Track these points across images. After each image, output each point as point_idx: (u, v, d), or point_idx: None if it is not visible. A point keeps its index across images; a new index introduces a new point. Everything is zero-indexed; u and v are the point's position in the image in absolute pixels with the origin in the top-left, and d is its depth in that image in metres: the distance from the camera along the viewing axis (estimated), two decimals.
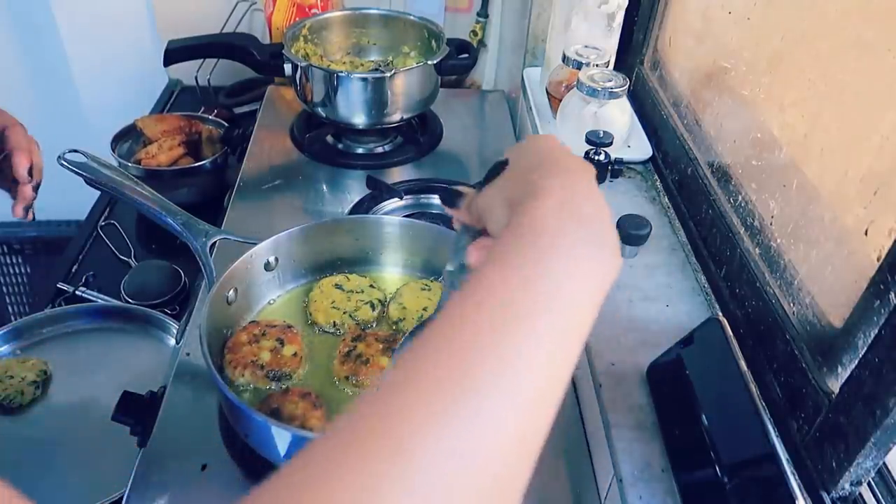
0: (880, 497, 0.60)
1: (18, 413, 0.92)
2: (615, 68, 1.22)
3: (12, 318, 1.84)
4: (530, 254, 0.43)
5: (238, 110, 1.63)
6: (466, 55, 1.39)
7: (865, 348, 0.57)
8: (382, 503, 0.32)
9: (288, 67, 1.31)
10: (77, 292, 1.17)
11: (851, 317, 0.63)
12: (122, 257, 1.27)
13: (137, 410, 0.84)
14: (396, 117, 1.34)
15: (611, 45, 1.21)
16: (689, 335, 0.77)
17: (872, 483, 0.60)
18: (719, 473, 0.64)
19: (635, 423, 0.76)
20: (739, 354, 0.70)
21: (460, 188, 0.63)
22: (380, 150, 1.40)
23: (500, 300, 0.40)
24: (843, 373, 0.63)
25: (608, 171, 1.10)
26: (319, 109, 1.34)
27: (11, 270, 1.86)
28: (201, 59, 1.54)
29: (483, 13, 1.60)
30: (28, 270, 1.87)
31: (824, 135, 0.73)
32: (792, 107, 0.80)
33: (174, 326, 1.03)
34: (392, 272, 1.00)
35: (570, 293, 0.43)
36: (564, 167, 0.49)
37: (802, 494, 0.58)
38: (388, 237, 0.98)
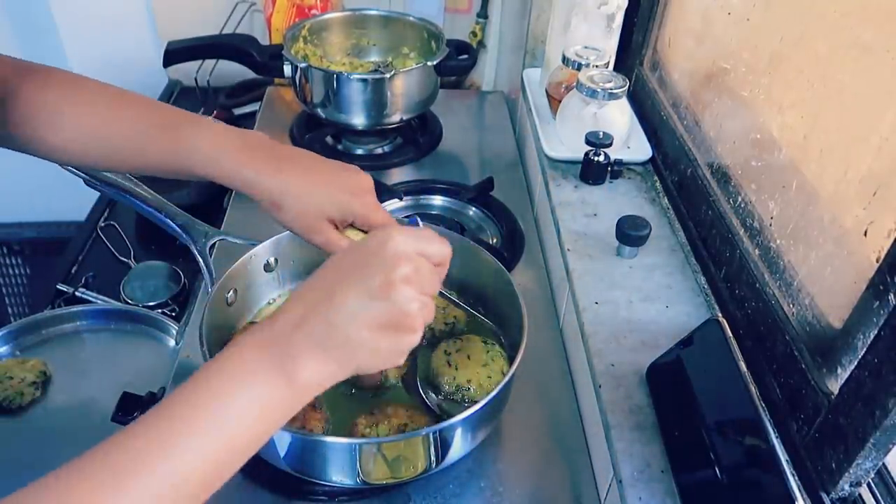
0: (880, 498, 0.60)
1: (18, 414, 0.92)
2: (615, 69, 1.22)
3: (12, 318, 1.84)
4: (219, 367, 0.53)
5: (238, 111, 1.63)
6: (466, 56, 1.39)
7: (865, 349, 0.57)
8: None
9: (288, 68, 1.31)
10: (77, 293, 1.17)
11: (851, 318, 0.63)
12: (121, 258, 1.27)
13: (137, 411, 0.84)
14: (396, 118, 1.34)
15: (610, 45, 1.21)
16: (688, 336, 0.77)
17: (872, 484, 0.60)
18: (719, 474, 0.64)
19: (635, 423, 0.76)
20: (739, 355, 0.70)
21: None
22: (379, 150, 1.41)
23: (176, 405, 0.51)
24: (843, 373, 0.63)
25: (608, 172, 1.10)
26: (319, 110, 1.34)
27: (11, 271, 1.86)
28: (201, 60, 1.54)
29: (483, 14, 1.61)
30: (28, 271, 1.87)
31: (824, 136, 0.73)
32: (791, 108, 0.80)
33: (174, 327, 1.03)
34: None
35: (235, 411, 0.52)
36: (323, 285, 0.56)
37: (802, 495, 0.58)
38: None
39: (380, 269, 0.54)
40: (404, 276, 0.54)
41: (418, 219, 0.64)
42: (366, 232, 0.76)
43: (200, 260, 0.86)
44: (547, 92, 1.27)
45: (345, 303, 0.53)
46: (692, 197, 0.99)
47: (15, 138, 0.75)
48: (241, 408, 0.52)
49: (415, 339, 0.56)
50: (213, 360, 0.53)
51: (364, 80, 1.29)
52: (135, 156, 0.76)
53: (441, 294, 0.83)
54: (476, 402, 0.73)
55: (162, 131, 0.74)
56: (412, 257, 0.55)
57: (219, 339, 0.84)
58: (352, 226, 0.76)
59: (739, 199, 0.87)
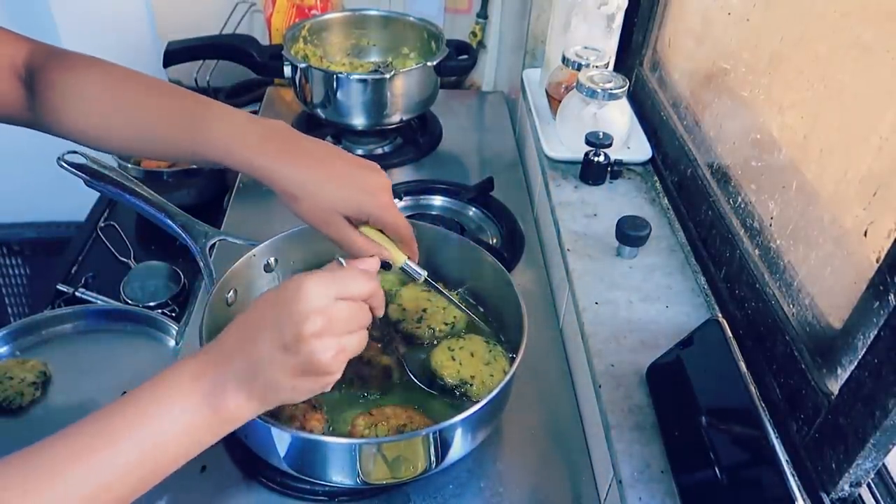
0: (879, 498, 0.60)
1: (18, 414, 0.91)
2: (615, 69, 1.22)
3: (12, 319, 1.83)
4: (153, 386, 0.58)
5: None
6: (466, 56, 1.39)
7: (865, 349, 0.57)
8: None
9: (287, 69, 1.31)
10: (77, 293, 1.16)
11: (851, 318, 0.63)
12: (121, 258, 1.27)
13: None
14: (396, 118, 1.34)
15: (610, 46, 1.21)
16: (688, 336, 0.77)
17: (872, 484, 0.60)
18: (719, 474, 0.64)
19: (635, 424, 0.76)
20: (739, 355, 0.70)
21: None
22: (379, 151, 1.41)
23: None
24: (843, 374, 0.63)
25: (608, 172, 1.10)
26: (319, 111, 1.34)
27: (11, 272, 1.86)
28: (201, 61, 1.54)
29: (483, 14, 1.61)
30: (28, 272, 1.86)
31: (824, 136, 0.73)
32: (791, 108, 0.80)
33: (174, 328, 1.03)
34: (391, 273, 1.00)
35: (158, 430, 0.56)
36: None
37: (802, 496, 0.58)
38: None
39: (291, 323, 0.58)
40: (314, 331, 0.58)
41: (340, 258, 0.67)
42: (381, 231, 0.76)
43: (200, 260, 0.86)
44: (547, 92, 1.27)
45: (263, 350, 0.58)
46: (692, 197, 0.99)
47: (40, 119, 0.77)
48: (164, 428, 0.56)
49: (333, 378, 0.62)
50: (151, 380, 0.58)
51: (364, 81, 1.29)
52: (156, 141, 0.77)
53: (441, 293, 0.84)
54: (476, 400, 0.73)
55: (183, 118, 0.75)
56: (323, 309, 0.58)
57: None
58: (365, 223, 0.76)
59: (739, 199, 0.87)
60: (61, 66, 0.76)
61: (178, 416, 0.57)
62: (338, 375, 0.62)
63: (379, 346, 0.87)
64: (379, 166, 0.77)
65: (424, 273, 0.78)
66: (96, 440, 0.54)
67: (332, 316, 0.59)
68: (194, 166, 1.33)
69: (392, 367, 0.85)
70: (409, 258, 0.77)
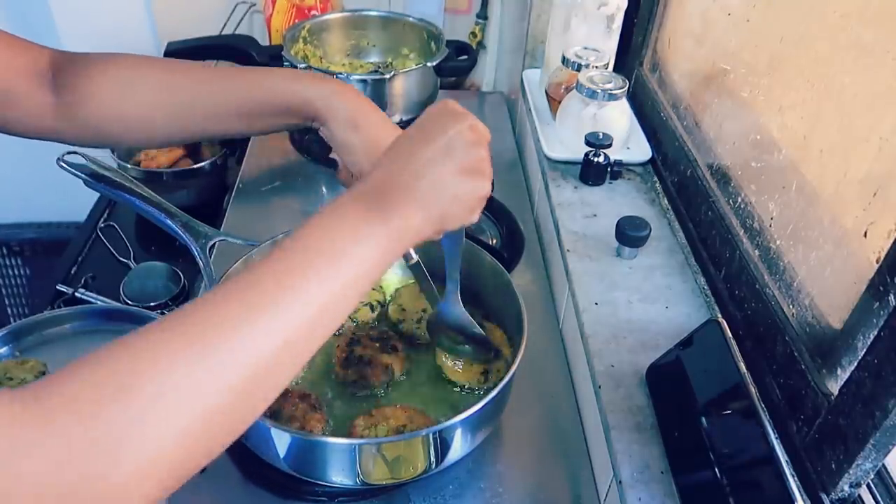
0: (879, 499, 0.60)
1: None
2: (614, 70, 1.22)
3: (11, 319, 1.84)
4: (321, 218, 0.55)
5: None
6: (466, 57, 1.39)
7: (864, 350, 0.57)
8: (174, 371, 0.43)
9: None
10: (76, 294, 1.16)
11: (850, 318, 0.63)
12: (121, 259, 1.27)
13: None
14: (396, 119, 1.34)
15: (610, 46, 1.21)
16: (688, 337, 0.77)
17: (872, 485, 0.60)
18: (719, 475, 0.64)
19: (634, 424, 0.76)
20: (739, 356, 0.70)
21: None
22: None
23: (298, 247, 0.52)
24: (843, 374, 0.63)
25: (608, 172, 1.10)
26: None
27: (11, 272, 1.86)
28: (201, 61, 1.54)
29: (482, 15, 1.61)
30: (27, 272, 1.86)
31: (823, 136, 0.73)
32: (791, 108, 0.80)
33: None
34: (391, 273, 1.00)
35: (351, 254, 0.53)
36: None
37: (802, 496, 0.58)
38: None
39: (448, 123, 0.60)
40: (470, 125, 0.61)
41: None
42: None
43: (200, 260, 0.86)
44: (547, 93, 1.27)
45: (425, 154, 0.59)
46: (692, 198, 0.99)
47: (73, 119, 0.77)
48: (353, 252, 0.53)
49: (488, 185, 0.63)
50: (307, 226, 0.55)
51: (364, 81, 1.29)
52: (214, 106, 0.80)
53: (426, 282, 0.84)
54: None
55: (238, 75, 0.81)
56: (467, 114, 0.62)
57: None
58: None
59: (739, 199, 0.87)
60: (88, 62, 0.76)
61: (357, 230, 0.54)
62: (489, 184, 0.63)
63: (377, 345, 0.87)
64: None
65: (416, 256, 0.81)
66: (294, 268, 0.51)
67: (473, 123, 0.61)
68: (195, 166, 1.34)
69: (392, 366, 0.85)
70: None
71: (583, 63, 1.15)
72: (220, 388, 0.44)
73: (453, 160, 0.59)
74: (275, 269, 0.50)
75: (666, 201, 1.08)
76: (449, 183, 0.59)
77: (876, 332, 0.55)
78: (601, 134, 1.07)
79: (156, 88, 0.78)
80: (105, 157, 1.28)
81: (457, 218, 0.61)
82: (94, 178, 0.86)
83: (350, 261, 0.53)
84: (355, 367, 0.84)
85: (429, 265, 0.96)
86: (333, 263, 0.52)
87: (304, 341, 0.50)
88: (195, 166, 1.33)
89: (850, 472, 0.57)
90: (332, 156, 0.87)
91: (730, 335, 0.72)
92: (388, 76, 1.27)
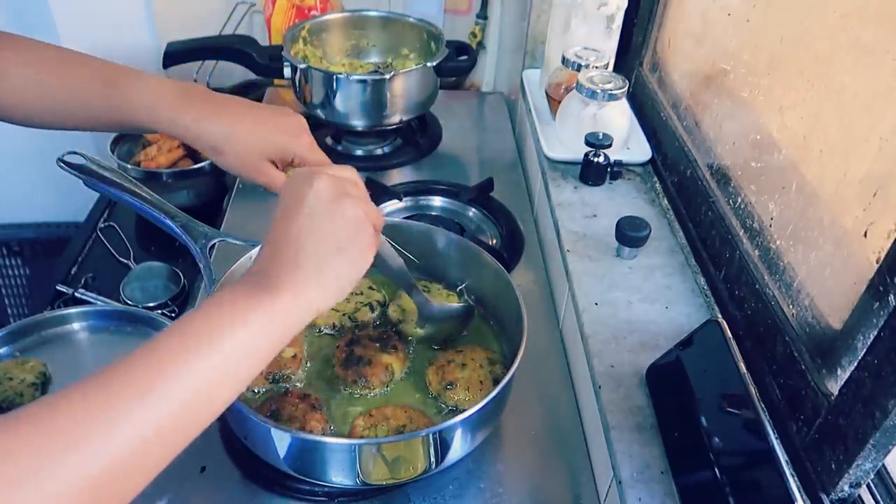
0: (879, 499, 0.60)
1: None
2: (614, 70, 1.22)
3: (11, 319, 1.83)
4: (206, 307, 0.54)
5: None
6: (466, 57, 1.39)
7: (864, 350, 0.57)
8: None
9: (287, 69, 1.31)
10: (76, 294, 1.16)
11: (850, 319, 0.63)
12: (121, 259, 1.27)
13: None
14: (396, 119, 1.34)
15: (610, 46, 1.21)
16: (688, 337, 0.77)
17: (872, 485, 0.60)
18: (718, 475, 0.64)
19: (634, 424, 0.76)
20: (739, 356, 0.70)
21: None
22: (379, 151, 1.41)
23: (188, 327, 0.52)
24: (843, 374, 0.63)
25: (607, 172, 1.10)
26: (319, 111, 1.34)
27: (11, 272, 1.86)
28: (200, 61, 1.54)
29: (482, 15, 1.61)
30: (27, 272, 1.86)
31: (823, 137, 0.73)
32: (791, 109, 0.80)
33: None
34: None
35: (230, 336, 0.52)
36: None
37: (801, 496, 0.58)
38: None
39: (301, 189, 0.59)
40: (325, 181, 0.60)
41: None
42: None
43: (200, 261, 0.86)
44: (546, 93, 1.27)
45: (295, 227, 0.58)
46: (692, 198, 0.99)
47: None
48: (233, 332, 0.52)
49: (372, 232, 0.62)
50: (193, 310, 0.54)
51: (363, 82, 1.29)
52: (78, 109, 0.79)
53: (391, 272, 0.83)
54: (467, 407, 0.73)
55: (104, 85, 0.78)
56: (338, 181, 0.61)
57: None
58: (291, 164, 0.81)
59: (739, 199, 0.87)
60: None
61: (243, 315, 0.53)
62: (372, 232, 0.61)
63: (377, 345, 0.87)
64: (291, 110, 0.82)
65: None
66: (168, 356, 0.50)
67: (343, 186, 0.61)
68: (195, 166, 1.34)
69: (392, 366, 0.85)
70: None
71: (583, 63, 1.15)
72: (80, 478, 0.44)
73: (321, 221, 0.59)
74: (149, 353, 0.50)
75: (666, 201, 1.08)
76: (328, 241, 0.58)
77: (876, 333, 0.55)
78: (601, 134, 1.07)
79: (30, 84, 0.78)
80: (105, 157, 1.28)
81: (353, 269, 0.60)
82: (94, 178, 0.86)
83: (231, 342, 0.52)
84: (355, 367, 0.84)
85: (427, 267, 0.97)
86: (212, 345, 0.51)
87: (177, 428, 0.49)
88: (195, 166, 1.33)
89: (850, 472, 0.57)
90: None
91: (730, 335, 0.72)
92: (388, 76, 1.27)
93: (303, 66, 1.29)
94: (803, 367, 0.67)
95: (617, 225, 0.95)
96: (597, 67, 1.15)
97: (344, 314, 0.92)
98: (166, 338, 0.51)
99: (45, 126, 0.84)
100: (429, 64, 1.31)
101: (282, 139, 0.79)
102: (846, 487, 0.59)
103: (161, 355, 0.50)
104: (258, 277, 0.57)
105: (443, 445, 0.74)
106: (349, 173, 0.64)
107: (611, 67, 1.21)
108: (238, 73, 1.49)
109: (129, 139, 1.41)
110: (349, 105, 1.30)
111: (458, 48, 1.40)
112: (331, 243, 0.59)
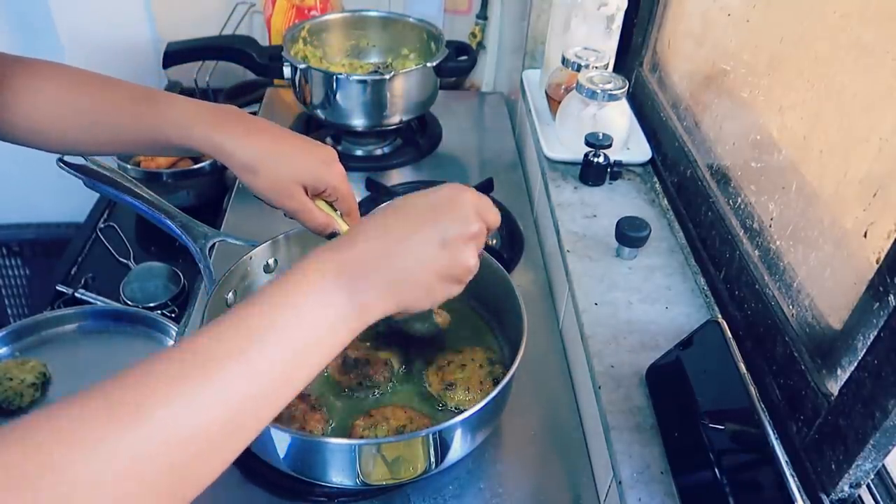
0: (879, 499, 0.60)
1: (18, 415, 0.91)
2: (614, 70, 1.22)
3: (11, 319, 1.84)
4: (296, 282, 0.53)
5: None
6: (465, 57, 1.39)
7: (864, 350, 0.57)
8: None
9: (287, 69, 1.31)
10: (76, 294, 1.17)
11: (850, 319, 0.63)
12: (121, 259, 1.27)
13: None
14: (396, 119, 1.34)
15: (610, 47, 1.21)
16: (688, 337, 0.77)
17: (871, 485, 0.60)
18: (718, 476, 0.64)
19: (634, 425, 0.76)
20: (739, 356, 0.70)
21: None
22: (379, 152, 1.41)
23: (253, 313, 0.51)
24: (843, 375, 0.63)
25: (607, 173, 1.10)
26: (319, 111, 1.34)
27: (11, 272, 1.86)
28: (200, 61, 1.54)
29: (482, 15, 1.61)
30: (27, 272, 1.86)
31: (823, 137, 0.73)
32: (791, 109, 0.80)
33: (173, 329, 1.03)
34: None
35: (308, 324, 0.52)
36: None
37: (801, 496, 0.58)
38: None
39: (455, 221, 0.59)
40: (473, 233, 0.59)
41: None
42: (331, 205, 0.81)
43: (200, 261, 0.86)
44: (546, 93, 1.27)
45: (419, 249, 0.57)
46: (692, 198, 0.99)
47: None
48: (313, 320, 0.52)
49: (461, 289, 0.62)
50: (286, 277, 0.53)
51: (363, 82, 1.29)
52: (111, 131, 0.78)
53: None
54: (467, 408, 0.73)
55: (136, 106, 0.77)
56: (479, 217, 0.60)
57: None
58: (319, 196, 0.81)
59: (739, 200, 0.87)
60: (25, 71, 0.77)
61: (326, 309, 0.53)
62: (462, 287, 0.62)
63: (367, 344, 0.87)
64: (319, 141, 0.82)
65: None
66: (247, 332, 0.49)
67: (481, 229, 0.61)
68: (194, 166, 1.34)
69: (391, 360, 0.86)
70: None
71: (583, 63, 1.15)
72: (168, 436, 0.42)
73: (445, 263, 0.58)
74: (228, 334, 0.49)
75: (666, 202, 1.08)
76: (428, 284, 0.58)
77: (876, 333, 0.55)
78: (601, 134, 1.07)
79: (64, 105, 0.78)
80: (105, 157, 1.28)
81: (420, 306, 0.60)
82: (94, 178, 0.86)
83: (311, 322, 0.52)
84: (355, 370, 0.84)
85: None
86: (294, 335, 0.51)
87: (270, 396, 0.49)
88: (195, 166, 1.33)
89: (850, 472, 0.57)
90: None
91: (730, 335, 0.72)
92: (387, 76, 1.27)
93: (303, 66, 1.29)
94: (803, 367, 0.67)
95: (617, 225, 0.95)
96: (597, 68, 1.15)
97: None
98: (242, 316, 0.51)
99: (78, 150, 0.84)
100: (429, 64, 1.31)
101: (316, 165, 0.78)
102: (846, 488, 0.59)
103: (250, 323, 0.50)
104: (347, 268, 0.55)
105: (443, 446, 0.74)
106: (494, 217, 0.63)
107: (611, 68, 1.21)
108: (238, 73, 1.49)
109: None
110: (349, 105, 1.31)
111: (458, 48, 1.40)
112: (423, 285, 0.58)
